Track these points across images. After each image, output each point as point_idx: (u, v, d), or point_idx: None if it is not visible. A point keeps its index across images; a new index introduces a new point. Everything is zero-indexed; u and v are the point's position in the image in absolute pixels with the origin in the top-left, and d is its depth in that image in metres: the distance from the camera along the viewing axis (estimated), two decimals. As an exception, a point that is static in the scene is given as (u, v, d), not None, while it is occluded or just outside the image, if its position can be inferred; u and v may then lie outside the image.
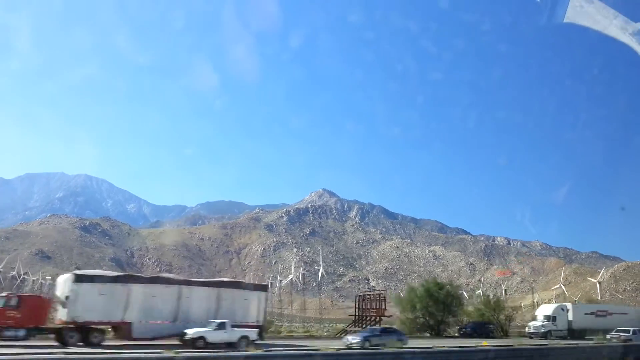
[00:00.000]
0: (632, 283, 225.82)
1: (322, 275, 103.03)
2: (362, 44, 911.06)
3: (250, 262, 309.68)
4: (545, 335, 48.09)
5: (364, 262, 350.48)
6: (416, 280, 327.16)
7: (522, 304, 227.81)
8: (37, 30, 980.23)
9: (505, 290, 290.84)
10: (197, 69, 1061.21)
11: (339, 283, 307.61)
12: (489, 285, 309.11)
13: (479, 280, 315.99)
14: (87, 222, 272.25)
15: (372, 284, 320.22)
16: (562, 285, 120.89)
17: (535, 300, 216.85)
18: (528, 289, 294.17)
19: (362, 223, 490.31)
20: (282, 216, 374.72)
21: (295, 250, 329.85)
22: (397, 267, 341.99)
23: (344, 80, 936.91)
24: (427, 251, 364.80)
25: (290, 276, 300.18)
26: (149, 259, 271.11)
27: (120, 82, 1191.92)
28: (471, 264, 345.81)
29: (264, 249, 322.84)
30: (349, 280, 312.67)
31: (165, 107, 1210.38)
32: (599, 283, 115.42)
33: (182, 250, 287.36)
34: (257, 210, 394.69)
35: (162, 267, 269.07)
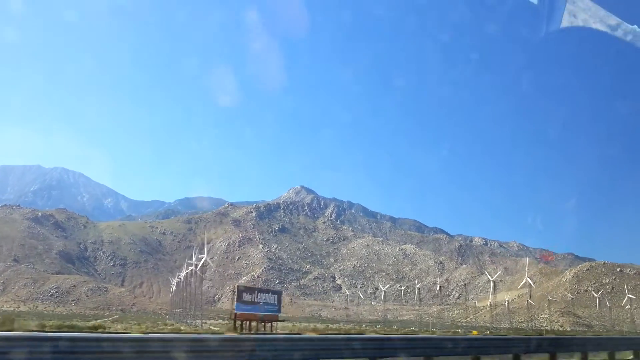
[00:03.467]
0: (594, 283, 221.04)
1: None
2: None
3: (212, 258, 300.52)
4: None
5: (332, 260, 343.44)
6: (383, 279, 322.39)
7: (476, 304, 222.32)
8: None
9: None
10: (185, 59, 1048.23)
11: (303, 280, 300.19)
12: (455, 285, 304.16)
13: (447, 280, 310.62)
14: (40, 214, 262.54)
15: (338, 282, 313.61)
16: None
17: (489, 302, 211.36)
18: (494, 289, 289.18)
19: (338, 221, 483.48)
20: (251, 212, 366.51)
21: (261, 246, 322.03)
22: (366, 265, 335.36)
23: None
24: (397, 249, 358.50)
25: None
26: (102, 252, 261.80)
27: (103, 75, 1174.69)
28: (440, 262, 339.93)
29: (228, 244, 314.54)
30: (314, 278, 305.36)
31: (148, 101, 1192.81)
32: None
33: (140, 244, 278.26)
34: (226, 205, 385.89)
35: (116, 262, 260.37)
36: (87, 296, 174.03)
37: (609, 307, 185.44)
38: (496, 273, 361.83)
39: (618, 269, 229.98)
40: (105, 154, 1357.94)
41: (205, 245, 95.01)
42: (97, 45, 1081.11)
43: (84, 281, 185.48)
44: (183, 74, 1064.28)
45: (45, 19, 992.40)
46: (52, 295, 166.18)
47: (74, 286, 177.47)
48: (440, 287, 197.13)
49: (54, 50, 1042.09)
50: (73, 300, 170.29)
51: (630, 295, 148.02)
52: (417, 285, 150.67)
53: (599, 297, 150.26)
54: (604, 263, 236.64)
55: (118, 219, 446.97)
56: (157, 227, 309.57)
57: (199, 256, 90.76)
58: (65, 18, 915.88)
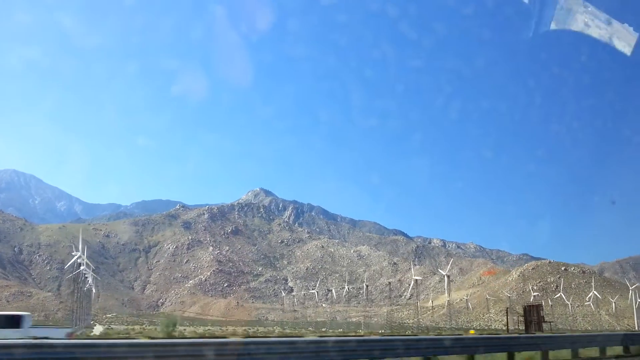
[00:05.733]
0: (539, 282, 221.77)
1: (85, 271, 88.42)
2: (335, 27, 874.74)
3: (158, 261, 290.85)
4: None
5: (285, 262, 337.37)
6: (336, 281, 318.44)
7: (418, 304, 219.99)
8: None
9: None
10: (150, 57, 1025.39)
11: (253, 283, 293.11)
12: (407, 285, 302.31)
13: (399, 280, 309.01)
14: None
15: (290, 284, 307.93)
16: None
17: (447, 301, 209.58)
18: (444, 288, 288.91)
19: (296, 223, 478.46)
20: (203, 214, 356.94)
21: (211, 249, 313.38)
22: (319, 267, 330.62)
23: (316, 66, 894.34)
24: (352, 251, 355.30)
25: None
26: (39, 256, 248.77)
27: (57, 76, 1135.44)
28: (394, 263, 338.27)
29: (176, 247, 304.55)
30: (265, 281, 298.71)
31: (105, 98, 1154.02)
32: (447, 276, 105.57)
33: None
34: (177, 207, 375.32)
35: (53, 265, 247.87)
36: (8, 301, 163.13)
37: (551, 305, 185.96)
38: (450, 273, 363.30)
39: (563, 268, 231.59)
40: (60, 156, 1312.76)
41: (80, 243, 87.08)
42: (48, 47, 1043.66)
43: (6, 285, 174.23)
44: (143, 75, 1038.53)
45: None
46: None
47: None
48: (366, 286, 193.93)
49: (2, 50, 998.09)
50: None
51: (562, 294, 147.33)
52: (346, 287, 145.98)
53: (535, 296, 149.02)
54: (549, 262, 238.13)
55: (68, 222, 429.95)
56: (100, 230, 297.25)
57: (73, 253, 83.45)
58: (16, 19, 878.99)
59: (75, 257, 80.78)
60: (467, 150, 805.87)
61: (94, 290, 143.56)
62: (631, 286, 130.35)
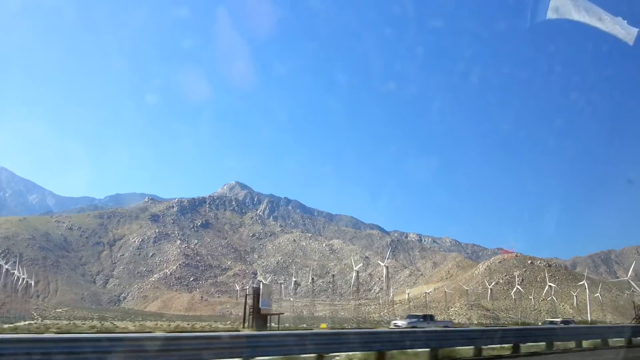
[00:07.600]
0: (505, 276, 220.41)
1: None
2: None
3: (123, 255, 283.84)
4: None
5: (256, 256, 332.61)
6: (308, 275, 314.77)
7: (380, 298, 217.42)
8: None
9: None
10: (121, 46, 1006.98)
11: (221, 277, 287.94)
12: (377, 279, 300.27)
13: (370, 274, 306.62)
14: None
15: (260, 278, 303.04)
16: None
17: (408, 294, 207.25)
18: (414, 282, 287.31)
19: (270, 217, 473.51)
20: (172, 207, 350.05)
21: (179, 242, 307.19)
22: (290, 260, 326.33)
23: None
24: (324, 245, 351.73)
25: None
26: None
27: (24, 59, 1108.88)
28: (366, 257, 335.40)
29: (142, 240, 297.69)
30: (233, 275, 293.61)
31: (75, 90, 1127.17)
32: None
33: (40, 240, 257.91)
34: (145, 200, 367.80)
35: (9, 258, 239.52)
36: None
37: (514, 299, 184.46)
38: (425, 267, 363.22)
39: (529, 261, 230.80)
40: (32, 148, 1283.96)
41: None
42: (31, 40, 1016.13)
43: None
44: (113, 70, 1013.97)
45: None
46: None
47: None
48: (312, 279, 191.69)
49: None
50: None
51: (518, 287, 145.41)
52: (295, 279, 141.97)
53: (491, 289, 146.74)
54: (516, 255, 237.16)
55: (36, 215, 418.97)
56: (63, 222, 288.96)
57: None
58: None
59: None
60: (485, 124, 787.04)
61: (32, 284, 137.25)
62: (585, 280, 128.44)
